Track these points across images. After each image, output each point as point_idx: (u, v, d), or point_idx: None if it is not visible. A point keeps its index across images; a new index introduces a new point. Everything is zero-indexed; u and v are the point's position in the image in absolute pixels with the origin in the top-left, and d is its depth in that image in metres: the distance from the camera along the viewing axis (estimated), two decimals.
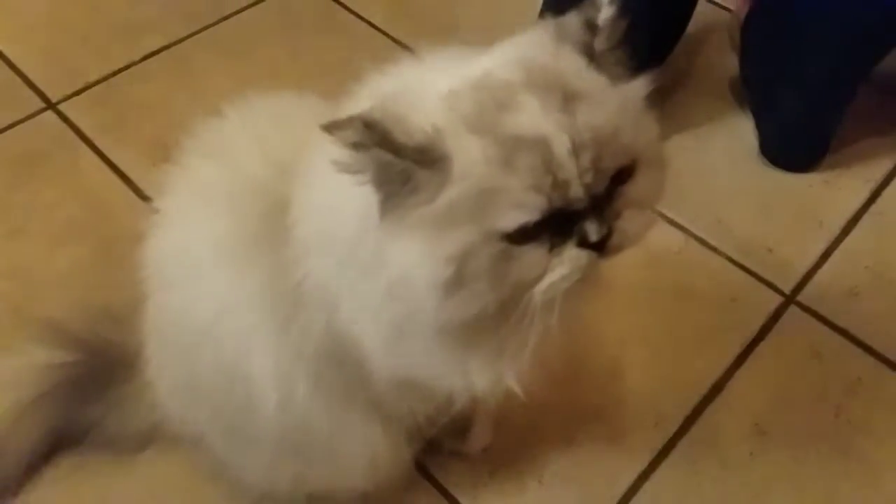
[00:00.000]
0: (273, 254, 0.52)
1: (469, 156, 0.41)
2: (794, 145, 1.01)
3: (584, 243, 0.44)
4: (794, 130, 0.99)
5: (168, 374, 0.63)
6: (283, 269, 0.51)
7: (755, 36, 1.03)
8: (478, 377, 0.52)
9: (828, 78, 0.94)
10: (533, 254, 0.43)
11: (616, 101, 0.44)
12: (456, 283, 0.43)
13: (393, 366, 0.53)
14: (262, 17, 1.20)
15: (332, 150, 0.42)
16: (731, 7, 1.18)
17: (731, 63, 1.11)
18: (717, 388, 0.81)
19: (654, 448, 0.77)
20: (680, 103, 1.07)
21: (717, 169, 1.01)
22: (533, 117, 0.42)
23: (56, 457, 0.73)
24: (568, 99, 0.42)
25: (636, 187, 0.45)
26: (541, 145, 0.41)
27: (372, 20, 1.19)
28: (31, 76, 1.09)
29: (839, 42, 0.91)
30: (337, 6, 1.22)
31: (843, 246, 0.94)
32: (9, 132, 1.03)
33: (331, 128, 0.41)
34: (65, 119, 1.04)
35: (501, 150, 0.41)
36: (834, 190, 1.00)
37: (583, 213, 0.43)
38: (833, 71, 0.93)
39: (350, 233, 0.46)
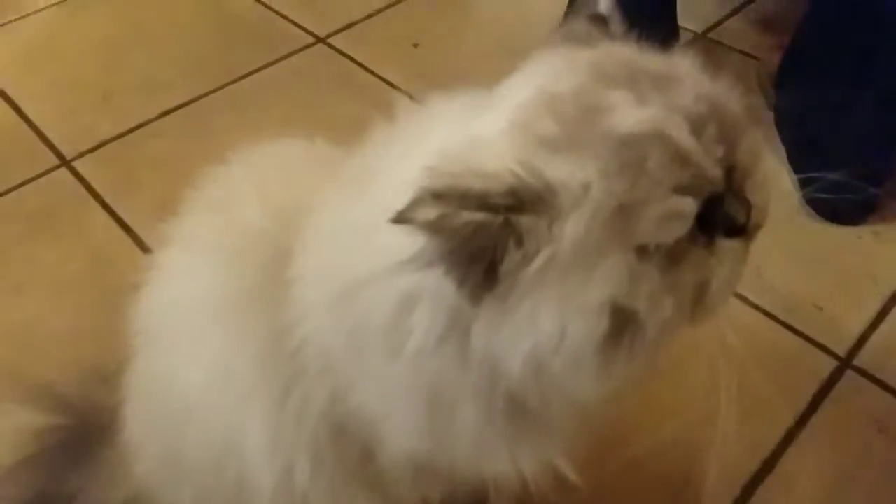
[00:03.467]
0: (272, 313, 0.47)
1: (576, 178, 0.35)
2: (840, 195, 0.94)
3: (732, 230, 0.38)
4: (840, 179, 0.92)
5: (149, 447, 0.58)
6: (281, 332, 0.46)
7: (794, 79, 0.98)
8: (527, 460, 0.45)
9: (878, 122, 0.88)
10: (694, 254, 0.37)
11: (692, 69, 0.40)
12: (618, 330, 0.36)
13: (421, 450, 0.46)
14: (278, 76, 1.19)
15: (390, 242, 0.36)
16: (759, 56, 1.14)
17: (760, 109, 1.05)
18: (767, 466, 0.72)
19: None
20: None
21: None
22: (634, 110, 0.36)
23: None
24: (654, 80, 0.37)
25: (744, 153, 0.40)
26: (659, 137, 0.36)
27: (388, 78, 1.17)
28: (48, 133, 1.09)
29: (889, 84, 0.85)
30: (353, 65, 1.21)
31: None
32: (22, 189, 1.01)
33: (401, 218, 0.34)
34: (77, 176, 1.03)
35: (618, 156, 0.35)
36: (887, 242, 0.92)
37: (720, 195, 0.38)
38: (883, 115, 0.87)
39: (383, 317, 0.40)
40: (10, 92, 1.15)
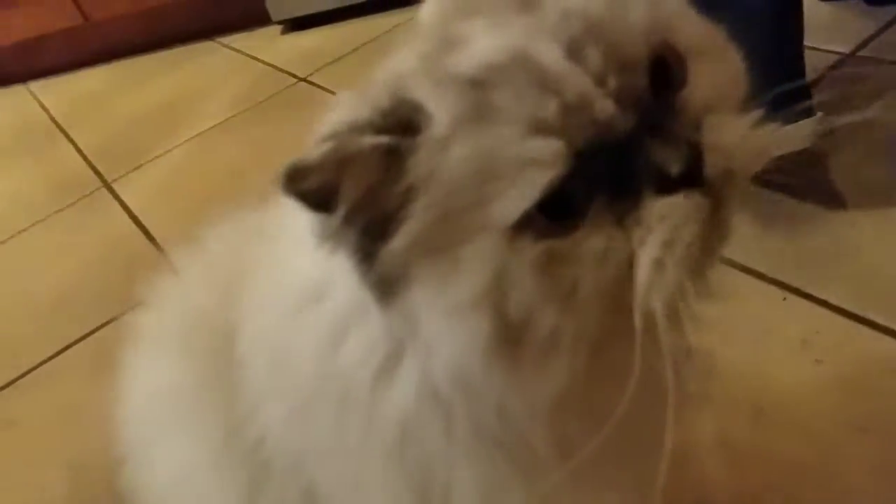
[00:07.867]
0: (226, 403, 0.41)
1: (442, 112, 0.28)
2: None
3: (666, 186, 0.28)
4: None
5: None
6: (239, 423, 0.40)
7: None
8: None
9: None
10: (594, 237, 0.28)
11: None
12: (506, 336, 0.28)
13: None
14: None
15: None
16: None
17: None
18: None
19: None
20: (862, 179, 0.82)
21: None
22: (489, 37, 0.28)
23: None
24: (521, 2, 0.29)
25: (701, 87, 0.29)
26: (517, 63, 0.27)
27: None
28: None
29: None
30: None
31: None
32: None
33: (291, 174, 0.29)
34: None
35: (469, 96, 0.27)
36: None
37: (639, 143, 0.27)
38: None
39: (313, 367, 0.35)
40: (143, 219, 1.25)
